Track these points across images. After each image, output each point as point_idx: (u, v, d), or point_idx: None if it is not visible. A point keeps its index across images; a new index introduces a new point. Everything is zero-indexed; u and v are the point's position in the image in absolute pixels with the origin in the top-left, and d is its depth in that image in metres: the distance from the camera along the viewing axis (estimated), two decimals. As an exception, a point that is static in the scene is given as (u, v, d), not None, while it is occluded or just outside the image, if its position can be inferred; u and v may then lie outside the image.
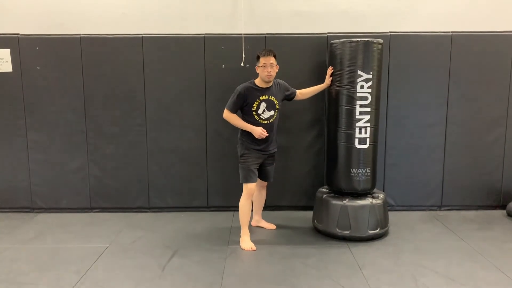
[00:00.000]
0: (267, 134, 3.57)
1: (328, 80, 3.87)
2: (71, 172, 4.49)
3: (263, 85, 3.61)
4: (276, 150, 3.81)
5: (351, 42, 3.67)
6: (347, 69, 3.70)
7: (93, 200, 4.54)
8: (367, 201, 3.74)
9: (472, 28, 4.37)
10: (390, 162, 4.47)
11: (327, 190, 4.00)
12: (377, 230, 3.73)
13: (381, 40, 3.73)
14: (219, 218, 4.33)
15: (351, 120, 3.73)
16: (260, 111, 3.59)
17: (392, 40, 4.29)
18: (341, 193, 3.85)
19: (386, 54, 4.24)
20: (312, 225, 4.04)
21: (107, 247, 3.63)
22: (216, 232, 3.96)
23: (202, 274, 3.15)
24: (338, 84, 3.78)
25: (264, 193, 4.00)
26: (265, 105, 3.60)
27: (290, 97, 3.86)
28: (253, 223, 4.08)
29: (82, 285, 3.00)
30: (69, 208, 4.53)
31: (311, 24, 4.44)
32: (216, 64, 4.32)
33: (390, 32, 4.31)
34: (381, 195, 3.86)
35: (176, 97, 4.39)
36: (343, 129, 3.77)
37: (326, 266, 3.25)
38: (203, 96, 4.38)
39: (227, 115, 3.63)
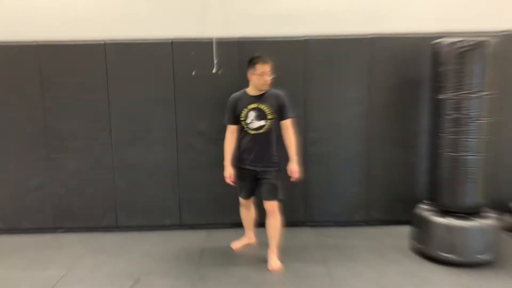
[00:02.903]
0: (232, 181, 3.39)
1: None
2: (31, 190, 4.14)
3: (255, 93, 3.34)
4: (269, 169, 3.34)
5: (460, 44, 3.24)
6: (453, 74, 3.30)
7: (56, 220, 4.20)
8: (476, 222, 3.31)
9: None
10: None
11: (428, 207, 3.60)
12: (486, 256, 3.31)
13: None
14: (192, 238, 4.01)
15: (456, 129, 3.33)
16: (248, 121, 3.32)
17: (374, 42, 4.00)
18: (445, 212, 3.44)
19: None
20: (412, 244, 3.65)
21: (63, 276, 3.29)
22: (185, 255, 3.64)
23: (164, 307, 2.82)
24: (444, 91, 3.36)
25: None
26: (254, 114, 3.31)
27: (280, 116, 3.33)
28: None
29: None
30: (31, 229, 4.19)
31: (288, 27, 4.11)
32: (185, 71, 3.99)
33: (372, 34, 4.02)
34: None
35: (143, 107, 4.06)
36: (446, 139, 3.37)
37: None
38: (172, 105, 4.05)
39: (227, 130, 3.41)
